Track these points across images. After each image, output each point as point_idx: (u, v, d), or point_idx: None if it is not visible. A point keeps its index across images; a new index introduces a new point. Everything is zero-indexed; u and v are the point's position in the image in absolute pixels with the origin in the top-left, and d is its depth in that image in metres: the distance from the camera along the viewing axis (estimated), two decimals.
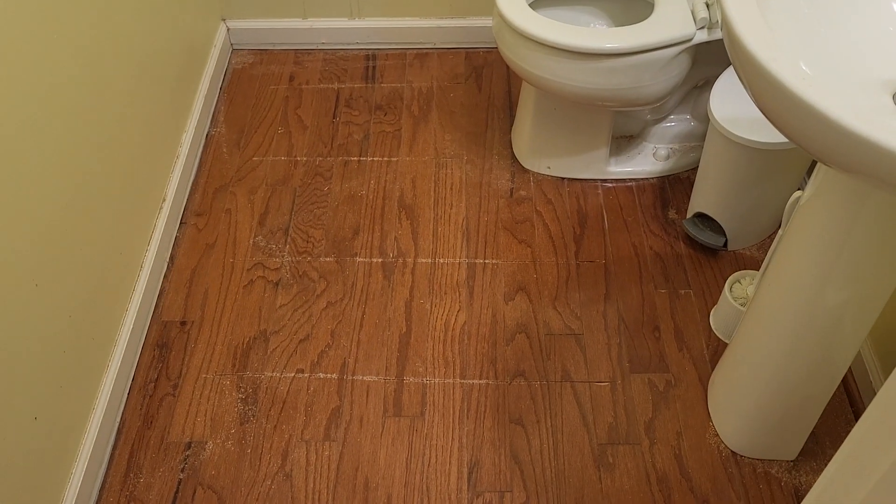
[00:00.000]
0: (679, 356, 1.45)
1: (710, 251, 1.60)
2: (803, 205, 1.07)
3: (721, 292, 1.48)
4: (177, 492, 1.30)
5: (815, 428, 1.28)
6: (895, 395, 0.58)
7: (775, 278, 1.15)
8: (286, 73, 2.01)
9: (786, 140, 1.36)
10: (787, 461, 1.32)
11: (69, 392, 1.24)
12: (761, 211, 1.52)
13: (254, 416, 1.39)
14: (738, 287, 1.43)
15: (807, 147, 0.80)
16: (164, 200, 1.62)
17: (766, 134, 1.36)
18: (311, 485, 1.31)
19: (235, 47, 2.08)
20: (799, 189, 1.23)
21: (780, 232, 1.15)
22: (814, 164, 1.46)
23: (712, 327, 1.48)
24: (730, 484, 1.30)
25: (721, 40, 1.45)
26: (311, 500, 1.29)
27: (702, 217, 1.59)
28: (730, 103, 1.41)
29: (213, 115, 1.90)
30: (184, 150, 1.71)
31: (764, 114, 0.85)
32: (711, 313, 1.50)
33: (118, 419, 1.38)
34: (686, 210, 1.66)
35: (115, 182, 1.40)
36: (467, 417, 1.39)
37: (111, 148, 1.39)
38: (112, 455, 1.35)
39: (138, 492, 1.30)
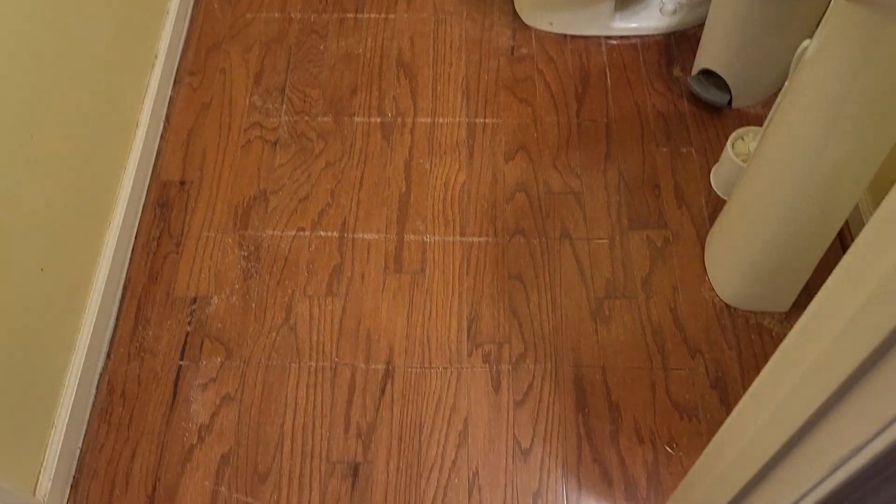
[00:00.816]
0: (678, 213, 1.46)
1: (713, 109, 1.58)
2: (810, 55, 1.04)
3: (723, 150, 1.47)
4: (185, 343, 1.34)
5: (808, 281, 1.31)
6: (889, 213, 0.58)
7: (778, 132, 1.14)
8: None
9: None
10: (780, 313, 1.35)
11: (73, 247, 1.25)
12: (768, 66, 1.49)
13: (256, 272, 1.41)
14: (741, 143, 1.42)
15: None
16: (155, 58, 1.58)
17: None
18: (315, 337, 1.35)
19: None
20: (807, 39, 1.20)
21: (786, 83, 1.13)
22: (824, 13, 1.41)
23: (712, 185, 1.48)
24: (722, 335, 1.34)
25: None
26: (315, 352, 1.33)
27: (707, 74, 1.55)
28: None
29: None
30: (174, 4, 1.65)
31: None
32: (712, 171, 1.50)
33: (123, 275, 1.41)
34: (691, 67, 1.62)
35: (103, 36, 1.36)
36: (467, 273, 1.41)
37: (98, 2, 1.34)
38: (120, 309, 1.38)
39: (147, 343, 1.34)
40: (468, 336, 1.35)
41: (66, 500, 1.19)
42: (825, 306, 0.65)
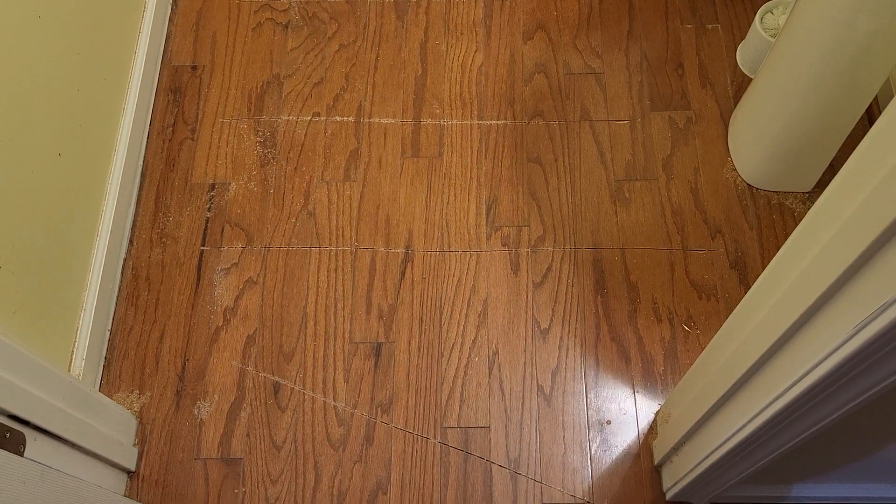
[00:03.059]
0: (702, 93, 1.42)
1: None
2: None
3: (750, 26, 1.41)
4: (205, 229, 1.35)
5: (833, 160, 1.28)
6: None
7: (808, 4, 1.10)
8: None
9: None
10: (803, 193, 1.33)
11: (88, 132, 1.24)
12: None
13: (274, 158, 1.41)
14: (770, 17, 1.37)
15: None
16: None
17: None
18: (335, 221, 1.35)
19: None
20: None
21: None
22: None
23: (738, 63, 1.44)
24: (743, 215, 1.33)
25: None
26: (334, 236, 1.34)
27: None
28: None
29: None
30: None
31: None
32: (738, 48, 1.45)
33: (140, 162, 1.40)
34: None
35: None
36: (485, 157, 1.40)
37: None
38: (139, 196, 1.38)
39: (168, 229, 1.35)
40: (487, 220, 1.35)
41: (99, 378, 1.24)
42: (849, 179, 0.64)
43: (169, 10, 1.53)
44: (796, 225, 1.31)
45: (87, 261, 1.23)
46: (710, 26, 1.48)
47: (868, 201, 0.62)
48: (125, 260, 1.32)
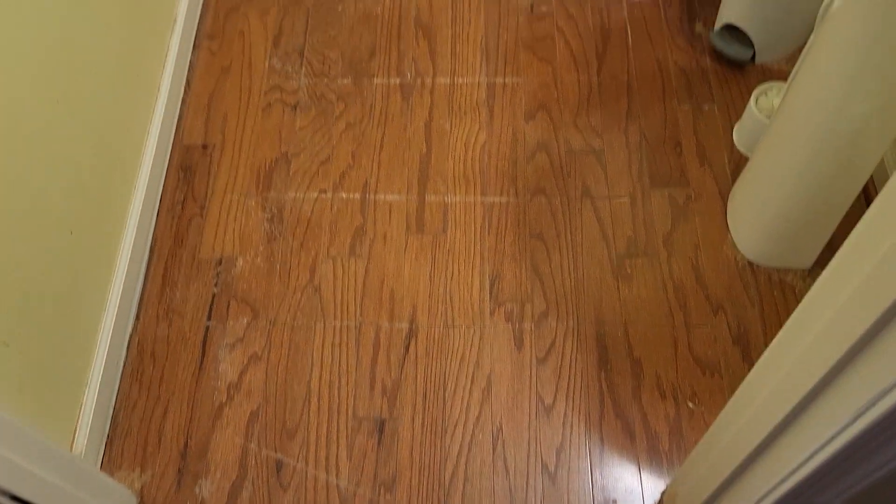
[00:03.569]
0: (700, 171, 1.45)
1: (736, 65, 1.56)
2: (835, 10, 1.03)
3: (746, 106, 1.46)
4: (212, 304, 1.36)
5: (832, 237, 1.30)
6: None
7: (803, 86, 1.13)
8: None
9: None
10: (803, 270, 1.35)
11: (100, 211, 1.27)
12: (792, 20, 1.47)
13: (280, 234, 1.43)
14: (764, 99, 1.41)
15: None
16: (174, 22, 1.58)
17: None
18: (340, 297, 1.37)
19: None
20: None
21: (810, 39, 1.12)
22: None
23: (735, 142, 1.47)
24: (745, 291, 1.34)
25: None
26: (340, 311, 1.35)
27: (729, 30, 1.53)
28: None
29: None
30: None
31: None
32: (735, 128, 1.48)
33: (150, 238, 1.43)
34: (713, 23, 1.60)
35: (122, 1, 1.36)
36: (488, 233, 1.42)
37: None
38: (147, 271, 1.40)
39: (175, 304, 1.37)
40: (490, 295, 1.36)
41: (101, 456, 1.23)
42: (848, 260, 0.66)
43: (182, 92, 1.58)
44: (797, 302, 1.32)
45: (93, 337, 1.24)
46: (706, 107, 1.52)
47: (864, 286, 0.63)
48: (131, 335, 1.33)
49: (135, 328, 1.34)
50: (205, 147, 1.53)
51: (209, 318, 1.35)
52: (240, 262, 1.40)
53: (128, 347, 1.32)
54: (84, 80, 1.22)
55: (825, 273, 0.72)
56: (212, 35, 1.66)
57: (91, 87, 1.25)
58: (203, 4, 1.70)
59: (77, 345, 1.19)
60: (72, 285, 1.18)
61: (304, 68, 1.61)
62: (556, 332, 1.32)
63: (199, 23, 1.68)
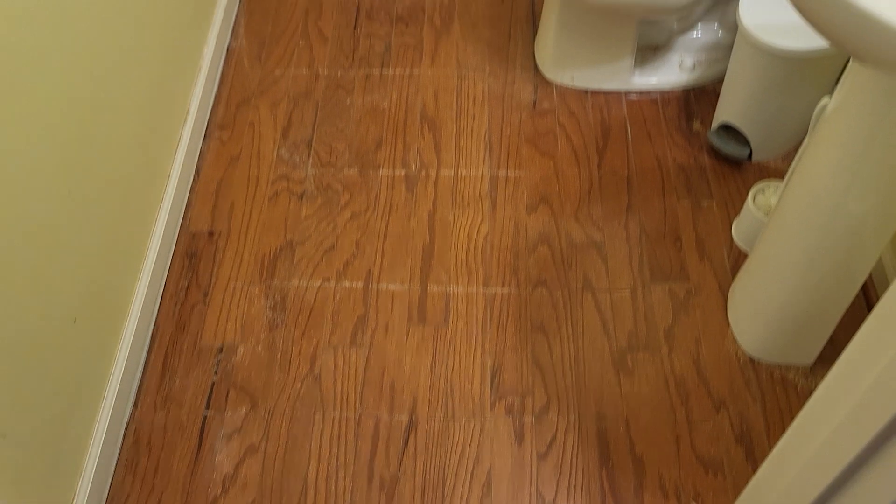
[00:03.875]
0: (700, 266, 1.47)
1: (733, 163, 1.59)
2: (830, 112, 1.06)
3: (744, 203, 1.48)
4: (211, 393, 1.36)
5: (833, 334, 1.30)
6: None
7: (798, 187, 1.16)
8: None
9: (814, 47, 1.33)
10: (804, 366, 1.35)
11: (105, 297, 1.28)
12: (787, 121, 1.51)
13: (282, 322, 1.43)
14: (762, 197, 1.44)
15: (841, 43, 0.79)
16: (187, 113, 1.63)
17: (796, 41, 1.34)
18: (340, 387, 1.36)
19: None
20: (827, 96, 1.22)
21: (805, 140, 1.15)
22: (843, 70, 1.43)
23: (734, 238, 1.49)
24: (746, 388, 1.33)
25: None
26: (339, 401, 1.34)
27: (727, 129, 1.57)
28: (759, 10, 1.38)
29: (233, 28, 1.89)
30: (205, 62, 1.71)
31: (798, 10, 0.84)
32: (734, 224, 1.51)
33: (152, 325, 1.43)
34: (711, 121, 1.65)
35: (139, 95, 1.41)
36: (490, 325, 1.42)
37: (133, 61, 1.39)
38: (147, 358, 1.40)
39: (174, 393, 1.36)
40: (491, 387, 1.35)
41: None
42: (850, 368, 0.66)
43: (192, 180, 1.62)
44: (799, 399, 1.32)
45: (90, 426, 1.23)
46: (705, 203, 1.55)
47: (867, 395, 0.63)
48: (128, 424, 1.32)
49: (132, 416, 1.33)
50: (211, 234, 1.55)
51: (207, 407, 1.34)
52: (241, 350, 1.40)
53: (124, 436, 1.31)
54: (97, 173, 1.25)
55: (827, 380, 0.73)
56: (223, 125, 1.71)
57: (103, 180, 1.28)
58: (216, 96, 1.76)
59: (74, 434, 1.18)
60: (72, 374, 1.18)
61: (311, 158, 1.65)
62: (557, 427, 1.31)
63: (211, 113, 1.73)
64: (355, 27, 1.88)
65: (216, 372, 1.38)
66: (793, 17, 1.36)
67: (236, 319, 1.44)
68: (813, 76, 1.41)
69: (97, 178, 1.26)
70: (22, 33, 1.05)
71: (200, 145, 1.67)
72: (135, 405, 1.34)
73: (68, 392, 1.16)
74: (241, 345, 1.41)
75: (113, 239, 1.31)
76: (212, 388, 1.36)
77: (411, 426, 1.32)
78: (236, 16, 1.91)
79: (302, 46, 1.85)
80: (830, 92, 1.50)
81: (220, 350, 1.40)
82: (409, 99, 1.74)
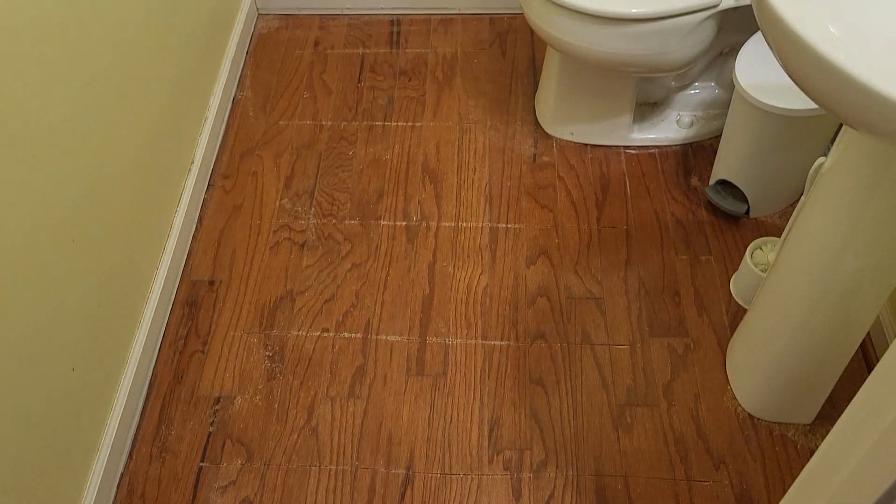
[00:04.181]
0: (699, 321, 1.47)
1: (731, 218, 1.61)
2: (826, 172, 1.08)
3: (742, 259, 1.49)
4: (206, 444, 1.35)
5: (832, 392, 1.30)
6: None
7: (796, 244, 1.17)
8: (311, 37, 2.03)
9: (810, 107, 1.36)
10: (804, 424, 1.34)
11: (104, 345, 1.28)
12: (784, 178, 1.53)
13: (280, 372, 1.43)
14: (760, 253, 1.45)
15: (834, 109, 0.81)
16: (192, 163, 1.65)
17: (791, 101, 1.36)
18: (337, 439, 1.35)
19: (261, 12, 2.09)
20: (822, 156, 1.24)
21: (802, 199, 1.16)
22: (838, 130, 1.45)
23: (732, 293, 1.50)
24: (746, 446, 1.32)
25: (747, 7, 1.44)
26: (336, 454, 1.33)
27: (724, 184, 1.59)
28: (755, 70, 1.41)
29: (239, 79, 1.92)
30: (211, 113, 1.74)
31: (792, 78, 0.86)
32: (732, 279, 1.51)
33: (150, 373, 1.43)
34: (708, 177, 1.67)
35: (146, 144, 1.43)
36: (488, 377, 1.42)
37: (141, 112, 1.41)
38: (144, 408, 1.39)
39: (170, 443, 1.35)
40: (489, 441, 1.34)
41: None
42: (848, 433, 0.66)
43: (194, 228, 1.63)
44: (799, 458, 1.31)
45: (83, 478, 1.22)
46: (703, 257, 1.56)
47: (864, 463, 0.63)
48: (122, 475, 1.31)
49: (127, 467, 1.32)
50: (211, 283, 1.56)
51: (203, 458, 1.33)
52: (238, 400, 1.40)
53: (117, 488, 1.30)
54: (101, 222, 1.27)
55: (827, 442, 0.72)
56: (227, 174, 1.73)
57: (107, 228, 1.29)
58: (220, 146, 1.78)
59: (67, 487, 1.17)
60: (68, 424, 1.17)
61: (313, 209, 1.67)
62: (555, 483, 1.30)
63: (215, 163, 1.75)
64: (359, 80, 1.91)
65: (213, 422, 1.37)
66: (788, 77, 1.39)
67: (234, 369, 1.44)
68: (809, 135, 1.44)
69: (101, 226, 1.27)
70: (31, 81, 1.07)
71: (204, 194, 1.69)
72: (130, 455, 1.33)
73: (64, 444, 1.16)
74: (239, 395, 1.40)
75: (114, 287, 1.32)
76: (208, 439, 1.35)
77: (408, 480, 1.31)
78: (243, 67, 1.95)
79: (306, 98, 1.88)
80: (826, 151, 1.53)
81: (218, 400, 1.40)
82: (411, 151, 1.76)
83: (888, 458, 0.60)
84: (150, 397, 1.40)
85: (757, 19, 0.87)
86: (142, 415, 1.38)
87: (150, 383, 1.42)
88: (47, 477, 1.11)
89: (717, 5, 1.43)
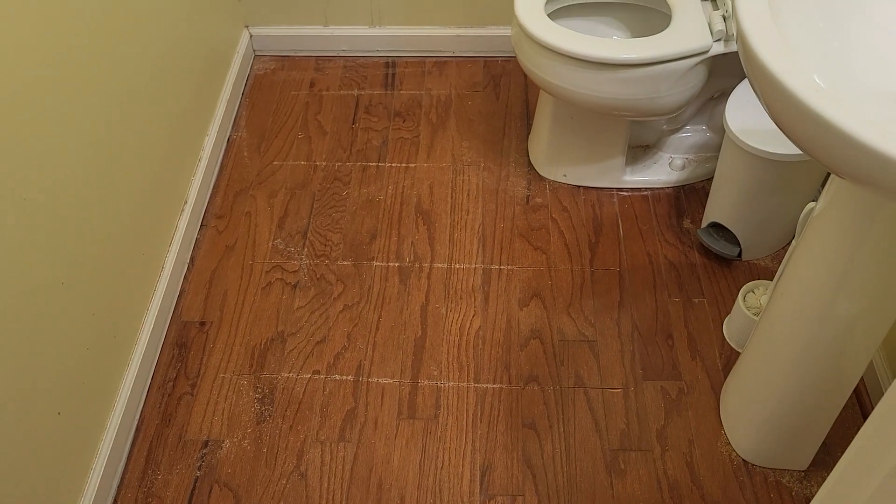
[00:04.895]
0: (692, 364, 1.46)
1: (724, 261, 1.61)
2: (816, 216, 1.08)
3: (734, 302, 1.49)
4: (193, 489, 1.33)
5: (826, 438, 1.29)
6: (894, 404, 0.59)
7: (788, 288, 1.16)
8: (307, 79, 2.04)
9: (799, 153, 1.37)
10: (799, 471, 1.32)
11: (91, 388, 1.27)
12: (776, 222, 1.53)
13: (270, 415, 1.42)
14: (752, 297, 1.44)
15: (821, 159, 0.81)
16: (185, 203, 1.65)
17: (781, 146, 1.37)
18: (326, 484, 1.33)
19: (258, 53, 2.11)
20: (813, 200, 1.24)
21: (793, 243, 1.16)
22: (828, 175, 1.46)
23: (725, 336, 1.49)
24: (741, 492, 1.30)
25: (737, 53, 1.46)
26: (325, 500, 1.31)
27: (716, 227, 1.60)
28: (745, 115, 1.43)
29: (234, 120, 1.93)
30: (206, 153, 1.74)
31: (778, 126, 0.86)
32: (725, 322, 1.51)
33: (137, 416, 1.41)
34: (701, 220, 1.67)
35: (139, 185, 1.44)
36: (480, 421, 1.40)
37: (135, 151, 1.42)
38: (131, 451, 1.37)
39: (156, 488, 1.33)
40: (481, 487, 1.32)
41: None
42: (841, 487, 0.65)
43: (185, 269, 1.62)
44: None
45: None
46: (696, 300, 1.55)
47: None
48: None
49: None
50: (202, 324, 1.55)
51: (189, 503, 1.31)
52: (226, 443, 1.38)
53: None
54: (92, 263, 1.26)
55: (823, 492, 0.71)
56: (220, 214, 1.73)
57: (97, 269, 1.28)
58: (214, 186, 1.79)
59: None
60: (53, 468, 1.15)
61: (306, 249, 1.67)
62: None
63: (208, 203, 1.75)
64: (354, 121, 1.93)
65: (200, 467, 1.35)
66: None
67: (223, 412, 1.42)
68: (799, 179, 1.45)
69: (92, 267, 1.26)
70: (24, 119, 1.08)
71: (196, 234, 1.69)
72: (115, 501, 1.31)
73: (47, 488, 1.14)
74: (227, 438, 1.39)
75: (103, 329, 1.31)
76: (195, 484, 1.33)
77: None
78: (238, 108, 1.96)
79: (301, 139, 1.89)
80: (817, 195, 1.53)
81: (206, 444, 1.38)
82: (404, 192, 1.77)
83: None
84: (137, 441, 1.39)
85: (744, 68, 0.88)
86: (128, 458, 1.36)
87: (137, 426, 1.40)
88: None
89: (708, 51, 1.45)
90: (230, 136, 1.90)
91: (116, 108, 1.34)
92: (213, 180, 1.79)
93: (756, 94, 0.87)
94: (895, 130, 0.75)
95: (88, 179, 1.25)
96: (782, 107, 0.81)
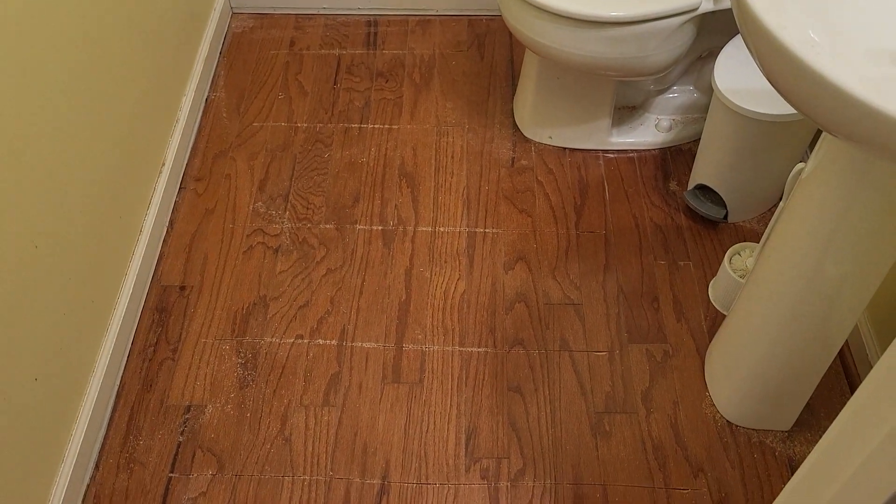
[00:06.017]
0: (677, 327, 1.46)
1: (710, 223, 1.60)
2: (805, 178, 1.07)
3: (720, 264, 1.48)
4: (176, 454, 1.31)
5: (810, 399, 1.29)
6: (893, 365, 0.58)
7: (775, 250, 1.16)
8: (286, 37, 1.99)
9: (789, 112, 1.35)
10: (782, 431, 1.33)
11: (69, 354, 1.24)
12: (763, 183, 1.52)
13: (253, 380, 1.40)
14: (738, 259, 1.44)
15: (814, 116, 0.80)
16: (163, 164, 1.61)
17: (770, 105, 1.35)
18: (310, 448, 1.32)
19: (235, 10, 2.05)
20: (801, 162, 1.23)
21: (781, 204, 1.15)
22: (817, 136, 1.45)
23: (711, 299, 1.49)
24: (725, 453, 1.31)
25: (726, 10, 1.43)
26: (309, 464, 1.30)
27: (703, 189, 1.58)
28: (734, 74, 1.41)
29: (212, 80, 1.89)
30: (183, 114, 1.70)
31: (772, 83, 0.85)
32: (710, 285, 1.50)
33: (117, 382, 1.39)
34: (687, 182, 1.66)
35: (114, 145, 1.40)
36: (465, 385, 1.40)
37: (110, 111, 1.37)
38: (112, 417, 1.35)
39: (138, 454, 1.31)
40: (466, 450, 1.32)
41: None
42: (835, 450, 0.65)
43: (164, 232, 1.59)
44: (778, 465, 1.30)
45: (47, 490, 1.18)
46: (681, 263, 1.54)
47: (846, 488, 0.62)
48: (88, 486, 1.27)
49: (93, 478, 1.28)
50: (182, 288, 1.52)
51: (172, 469, 1.29)
52: (209, 408, 1.36)
53: (83, 499, 1.26)
54: (66, 226, 1.23)
55: (815, 455, 0.71)
56: (199, 177, 1.70)
57: (72, 232, 1.25)
58: (192, 148, 1.75)
59: (30, 499, 1.13)
60: (31, 436, 1.13)
61: (287, 212, 1.64)
62: (532, 493, 1.28)
63: (187, 165, 1.71)
64: (335, 82, 1.89)
65: (183, 432, 1.34)
66: (767, 81, 1.38)
67: (206, 377, 1.40)
68: (788, 140, 1.43)
69: (66, 230, 1.23)
70: None
71: (175, 197, 1.65)
72: (96, 466, 1.30)
73: (25, 454, 1.12)
74: (210, 404, 1.37)
75: (80, 293, 1.28)
76: (178, 449, 1.32)
77: (383, 491, 1.28)
78: (216, 67, 1.91)
79: (281, 100, 1.85)
80: (805, 156, 1.52)
81: (188, 409, 1.36)
82: (387, 154, 1.74)
83: (886, 471, 0.59)
84: (118, 406, 1.37)
85: (737, 23, 0.85)
86: (109, 424, 1.35)
87: (117, 392, 1.38)
88: (8, 489, 1.07)
89: (697, 9, 1.42)
90: (208, 96, 1.85)
91: (89, 66, 1.29)
92: (192, 142, 1.75)
93: (749, 49, 0.85)
94: (890, 86, 0.74)
95: (61, 139, 1.21)
96: (776, 62, 0.79)
